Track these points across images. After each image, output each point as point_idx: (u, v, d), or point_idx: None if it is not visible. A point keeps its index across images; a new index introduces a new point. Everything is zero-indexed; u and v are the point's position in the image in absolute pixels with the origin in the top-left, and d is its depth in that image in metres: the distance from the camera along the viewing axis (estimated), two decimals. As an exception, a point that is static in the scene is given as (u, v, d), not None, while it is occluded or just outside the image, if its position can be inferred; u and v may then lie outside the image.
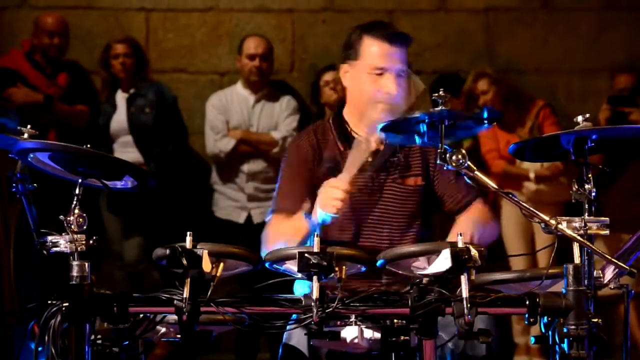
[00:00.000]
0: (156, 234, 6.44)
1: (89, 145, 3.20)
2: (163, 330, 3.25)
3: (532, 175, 6.73)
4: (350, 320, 3.07)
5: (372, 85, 3.71)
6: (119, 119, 6.81)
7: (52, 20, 6.82)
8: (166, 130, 6.80)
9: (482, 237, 3.58)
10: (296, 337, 3.41)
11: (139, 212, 6.66)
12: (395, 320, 3.05)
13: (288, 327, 3.12)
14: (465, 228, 3.51)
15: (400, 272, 3.22)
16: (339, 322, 3.09)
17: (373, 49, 3.72)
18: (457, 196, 3.79)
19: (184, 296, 2.99)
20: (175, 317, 3.06)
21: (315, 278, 2.97)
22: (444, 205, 3.81)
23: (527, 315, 2.99)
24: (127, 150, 6.73)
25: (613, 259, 3.02)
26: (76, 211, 3.09)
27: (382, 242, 3.70)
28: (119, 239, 6.82)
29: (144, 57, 6.95)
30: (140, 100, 6.81)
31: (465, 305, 2.92)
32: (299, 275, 3.07)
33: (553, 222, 3.00)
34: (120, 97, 6.85)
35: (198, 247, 3.04)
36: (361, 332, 3.06)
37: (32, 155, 3.23)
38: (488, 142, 6.79)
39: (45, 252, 3.13)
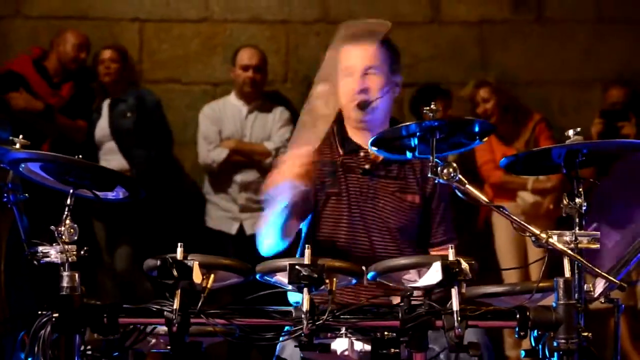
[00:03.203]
0: (147, 244, 6.44)
1: (80, 156, 3.20)
2: (153, 341, 3.25)
3: (530, 183, 6.74)
4: (341, 332, 3.07)
5: (345, 86, 3.84)
6: (102, 125, 6.82)
7: (81, 36, 6.92)
8: (148, 135, 6.80)
9: None
10: (289, 350, 3.41)
11: (129, 222, 6.65)
12: (385, 333, 3.04)
13: (278, 339, 3.12)
14: None
15: (391, 284, 3.22)
16: (329, 334, 3.08)
17: (343, 53, 3.86)
18: (436, 231, 3.86)
19: (174, 307, 2.98)
20: (165, 328, 3.05)
21: (305, 290, 2.97)
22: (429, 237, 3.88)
23: (517, 329, 2.99)
24: (112, 157, 6.73)
25: (603, 273, 3.03)
26: (67, 222, 3.09)
27: (375, 253, 3.74)
28: (110, 249, 6.81)
29: (131, 64, 6.97)
30: (121, 105, 6.83)
31: (455, 318, 2.92)
32: (290, 287, 3.06)
33: (544, 235, 3.01)
34: (105, 104, 6.87)
35: (189, 258, 3.04)
36: (351, 344, 3.06)
37: (23, 165, 3.23)
38: (484, 154, 6.80)
39: (35, 262, 3.13)
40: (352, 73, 3.82)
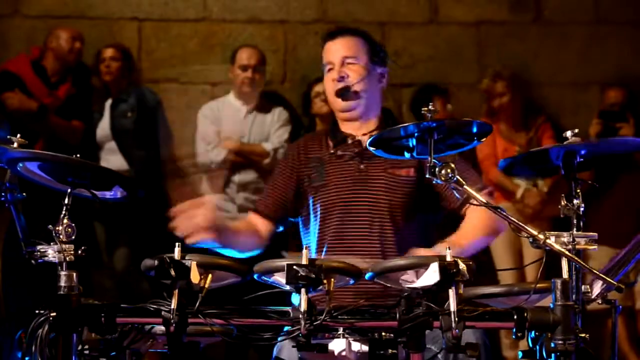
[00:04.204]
0: (146, 244, 6.42)
1: (78, 155, 3.20)
2: (151, 341, 3.25)
3: (520, 192, 6.74)
4: (338, 332, 3.07)
5: (327, 80, 3.98)
6: (103, 125, 6.81)
7: (72, 29, 6.91)
8: (148, 134, 6.78)
9: (491, 231, 3.73)
10: (286, 350, 3.41)
11: (128, 222, 6.65)
12: (383, 333, 3.04)
13: (276, 340, 3.12)
14: (474, 223, 3.72)
15: (389, 285, 3.22)
16: (327, 335, 3.08)
17: (324, 51, 4.02)
18: (451, 193, 3.77)
19: (172, 307, 2.98)
20: (163, 328, 3.05)
21: (303, 290, 2.97)
22: (445, 202, 3.84)
23: (514, 330, 2.99)
24: (112, 157, 6.72)
25: (601, 274, 3.03)
26: (65, 221, 3.09)
27: (373, 236, 3.77)
28: (109, 249, 6.80)
29: (132, 62, 6.96)
30: (122, 105, 6.82)
31: (453, 319, 2.92)
32: (287, 287, 3.06)
33: (541, 236, 3.01)
34: (107, 105, 6.86)
35: (186, 258, 3.04)
36: (349, 344, 3.06)
37: (21, 165, 3.22)
38: (485, 147, 6.79)
39: (33, 261, 3.13)
40: (332, 66, 3.94)
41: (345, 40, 3.97)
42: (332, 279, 3.04)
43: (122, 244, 6.76)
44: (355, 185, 3.86)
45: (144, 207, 6.29)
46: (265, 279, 3.19)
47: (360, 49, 3.96)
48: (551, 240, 3.01)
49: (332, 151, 3.95)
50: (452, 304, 2.94)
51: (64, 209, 3.12)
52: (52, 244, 3.09)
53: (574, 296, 2.98)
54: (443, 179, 3.07)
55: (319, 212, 3.87)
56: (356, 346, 3.07)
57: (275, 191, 4.01)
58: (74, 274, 3.04)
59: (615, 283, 3.03)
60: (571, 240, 3.01)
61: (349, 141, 3.94)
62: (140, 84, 7.07)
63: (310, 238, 3.88)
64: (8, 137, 3.24)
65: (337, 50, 3.96)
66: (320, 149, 3.99)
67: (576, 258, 2.99)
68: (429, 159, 3.09)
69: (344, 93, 3.90)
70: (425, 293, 3.03)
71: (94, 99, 7.03)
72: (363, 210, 3.82)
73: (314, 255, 3.71)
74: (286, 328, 3.08)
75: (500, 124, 6.91)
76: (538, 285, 3.13)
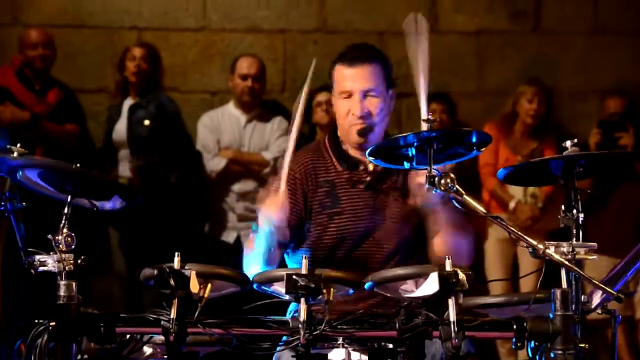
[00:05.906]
0: (150, 252, 6.39)
1: (78, 165, 3.21)
2: (150, 350, 3.24)
3: (512, 205, 6.73)
4: (338, 342, 3.07)
5: (343, 109, 3.78)
6: (120, 128, 6.76)
7: (36, 32, 6.80)
8: (164, 142, 6.74)
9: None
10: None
11: (138, 229, 6.61)
12: (382, 343, 3.04)
13: (275, 349, 3.12)
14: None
15: (388, 294, 3.22)
16: (326, 345, 3.08)
17: (340, 74, 3.80)
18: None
19: (171, 317, 2.98)
20: (162, 337, 3.05)
21: (302, 300, 2.97)
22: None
23: (514, 340, 2.99)
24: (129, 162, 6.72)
25: (600, 284, 3.03)
26: (64, 230, 3.09)
27: (386, 265, 3.68)
28: (120, 256, 6.77)
29: (160, 65, 6.90)
30: (140, 111, 6.75)
31: (452, 329, 2.92)
32: (287, 297, 3.06)
33: (541, 246, 3.01)
34: (126, 106, 6.80)
35: (186, 267, 3.04)
36: (348, 354, 3.06)
37: (21, 174, 3.22)
38: (487, 154, 6.74)
39: (32, 271, 3.13)
40: (350, 96, 3.76)
41: (365, 70, 3.78)
42: (332, 289, 3.04)
43: (134, 251, 6.70)
44: (370, 213, 3.74)
45: (151, 215, 6.30)
46: (265, 288, 3.19)
47: (379, 78, 3.80)
48: (551, 250, 3.01)
49: (344, 176, 3.79)
50: (452, 314, 2.94)
51: (64, 219, 3.12)
52: (51, 253, 3.09)
53: (573, 306, 2.98)
54: (443, 188, 3.06)
55: (332, 239, 3.74)
56: (355, 356, 3.07)
57: (292, 212, 3.71)
58: (73, 284, 3.03)
59: (614, 293, 3.03)
60: (570, 250, 3.01)
61: (361, 167, 3.80)
62: (161, 90, 6.97)
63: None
64: (8, 146, 3.25)
65: (357, 80, 3.76)
66: (327, 170, 3.82)
67: (576, 268, 2.99)
68: (429, 168, 3.09)
69: (367, 133, 3.73)
70: (424, 303, 3.03)
71: (113, 93, 6.96)
72: (378, 239, 3.73)
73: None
74: (284, 338, 3.08)
75: (514, 130, 6.88)
76: (537, 295, 3.13)
